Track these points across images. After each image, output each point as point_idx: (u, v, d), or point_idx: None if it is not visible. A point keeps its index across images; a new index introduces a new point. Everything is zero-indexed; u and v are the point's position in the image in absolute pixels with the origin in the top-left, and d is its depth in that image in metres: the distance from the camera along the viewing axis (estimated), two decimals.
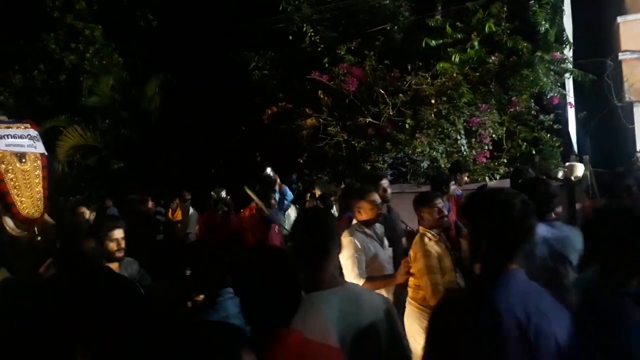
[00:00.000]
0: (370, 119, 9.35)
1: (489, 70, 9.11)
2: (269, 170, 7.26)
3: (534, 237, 1.98)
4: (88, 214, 6.75)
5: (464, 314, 1.74)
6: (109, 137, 12.04)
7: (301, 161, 10.09)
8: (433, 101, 8.96)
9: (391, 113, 9.22)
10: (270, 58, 11.22)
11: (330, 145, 9.59)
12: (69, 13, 12.63)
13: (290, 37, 10.83)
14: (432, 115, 8.83)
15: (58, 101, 11.87)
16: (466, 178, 6.45)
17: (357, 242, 3.53)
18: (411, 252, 3.71)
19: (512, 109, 9.03)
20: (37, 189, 6.94)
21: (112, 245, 3.54)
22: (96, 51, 12.49)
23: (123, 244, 3.61)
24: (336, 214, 6.60)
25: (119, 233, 3.61)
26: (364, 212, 3.70)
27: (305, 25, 10.41)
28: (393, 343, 2.05)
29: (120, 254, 3.58)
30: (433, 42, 9.49)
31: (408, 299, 3.73)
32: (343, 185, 7.48)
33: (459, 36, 9.46)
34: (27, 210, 6.74)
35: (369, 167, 9.12)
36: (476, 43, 9.19)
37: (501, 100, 9.17)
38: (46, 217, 7.11)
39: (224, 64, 11.53)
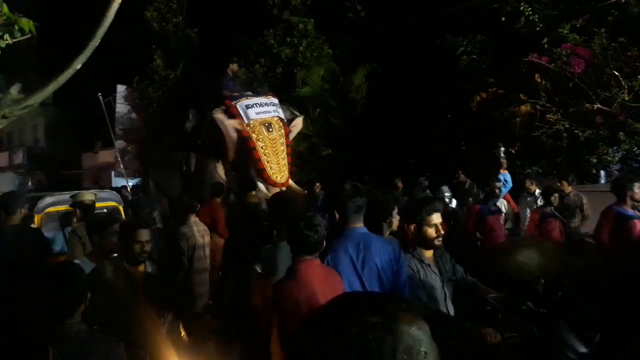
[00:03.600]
0: (599, 105, 8.30)
1: None
2: (502, 150, 6.82)
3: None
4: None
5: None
6: (318, 125, 12.75)
7: (513, 152, 9.43)
8: None
9: (627, 98, 8.06)
10: (480, 41, 10.67)
11: (547, 134, 8.78)
12: (286, 9, 13.61)
13: (503, 18, 10.12)
14: None
15: (275, 91, 12.91)
16: None
17: None
18: None
19: None
20: (282, 156, 7.68)
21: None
22: (308, 44, 13.23)
23: None
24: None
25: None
26: None
27: (522, 4, 9.63)
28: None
29: None
30: None
31: None
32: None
33: None
34: (275, 176, 7.50)
35: (594, 160, 8.15)
36: None
37: None
38: (291, 182, 7.80)
39: (431, 50, 11.29)
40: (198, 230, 5.28)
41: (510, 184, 6.78)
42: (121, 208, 6.43)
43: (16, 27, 3.70)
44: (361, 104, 12.77)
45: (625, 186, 4.80)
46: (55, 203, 6.07)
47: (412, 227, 3.04)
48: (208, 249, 5.36)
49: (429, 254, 3.09)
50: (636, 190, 4.72)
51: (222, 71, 8.96)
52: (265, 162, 7.55)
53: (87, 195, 5.57)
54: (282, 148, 7.73)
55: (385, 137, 12.14)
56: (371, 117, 12.49)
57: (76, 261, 2.98)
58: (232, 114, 7.75)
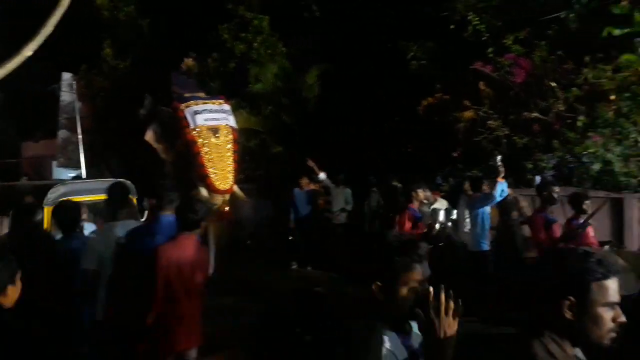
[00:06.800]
0: (537, 114, 8.75)
1: None
2: (499, 159, 6.79)
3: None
4: None
5: None
6: (270, 122, 12.80)
7: (455, 155, 9.77)
8: (612, 97, 8.10)
9: (562, 108, 8.52)
10: (429, 48, 11.00)
11: (488, 139, 9.16)
12: (241, 4, 13.58)
13: (452, 26, 10.48)
14: (610, 112, 8.00)
15: (227, 87, 12.84)
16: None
17: None
18: None
19: None
20: (229, 162, 7.63)
21: None
22: (263, 41, 13.25)
23: None
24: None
25: None
26: None
27: (469, 13, 10.00)
28: None
29: None
30: (617, 31, 8.48)
31: None
32: None
33: None
34: (218, 182, 7.44)
35: (530, 166, 8.58)
36: None
37: None
38: (235, 188, 7.77)
39: (382, 53, 11.55)
40: None
41: (506, 193, 6.72)
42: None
43: None
44: (313, 103, 12.90)
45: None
46: (70, 193, 5.50)
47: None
48: None
49: None
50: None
51: (174, 64, 8.85)
52: (210, 169, 7.49)
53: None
54: (228, 154, 7.69)
55: (336, 136, 12.31)
56: (323, 116, 12.63)
57: None
58: (178, 117, 7.66)
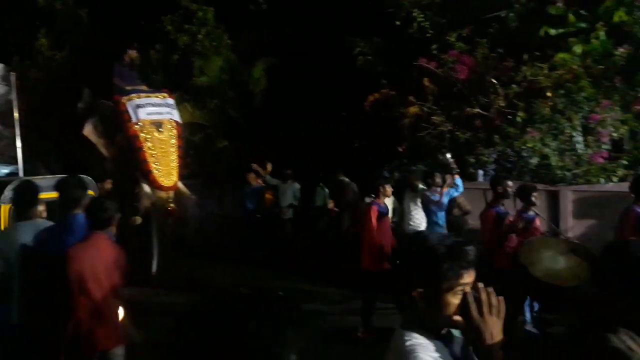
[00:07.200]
0: (478, 110, 8.99)
1: (615, 64, 8.39)
2: (448, 156, 7.22)
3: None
4: None
5: None
6: (215, 116, 12.55)
7: (401, 150, 9.91)
8: (549, 94, 8.43)
9: (502, 105, 8.79)
10: (375, 44, 11.09)
11: (432, 135, 9.34)
12: None
13: (398, 23, 10.60)
14: (547, 109, 8.32)
15: (171, 80, 12.49)
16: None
17: None
18: None
19: (637, 107, 8.30)
20: (172, 157, 7.35)
21: None
22: (208, 33, 12.97)
23: None
24: None
25: None
26: None
27: (414, 10, 10.15)
28: None
29: None
30: (553, 31, 8.88)
31: None
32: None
33: (583, 25, 8.79)
34: (162, 179, 7.17)
35: (473, 160, 8.81)
36: (602, 33, 8.49)
37: (625, 97, 8.45)
38: (179, 185, 7.52)
39: (330, 48, 11.54)
40: None
41: (461, 189, 7.23)
42: None
43: None
44: (260, 96, 12.75)
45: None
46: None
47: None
48: None
49: None
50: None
51: (115, 56, 8.52)
52: (153, 164, 7.23)
53: None
54: (172, 150, 7.44)
55: (283, 131, 12.23)
56: (270, 110, 12.52)
57: None
58: (120, 111, 7.37)
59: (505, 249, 5.36)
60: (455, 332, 1.72)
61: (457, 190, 7.20)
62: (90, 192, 5.68)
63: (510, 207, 5.78)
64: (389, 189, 6.29)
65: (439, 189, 7.07)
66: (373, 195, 6.33)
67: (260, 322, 1.11)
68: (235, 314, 1.12)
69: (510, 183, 5.70)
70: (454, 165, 7.16)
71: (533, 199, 5.52)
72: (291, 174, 10.49)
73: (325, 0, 12.05)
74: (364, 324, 5.99)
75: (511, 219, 5.48)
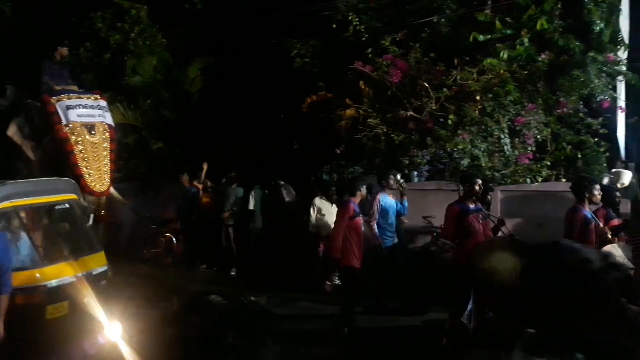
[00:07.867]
0: (412, 113, 9.21)
1: (538, 69, 8.85)
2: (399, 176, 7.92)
3: None
4: None
5: None
6: (149, 117, 12.18)
7: (338, 152, 10.00)
8: (478, 98, 8.78)
9: (434, 108, 9.06)
10: (313, 46, 11.14)
11: (368, 137, 9.48)
12: None
13: (334, 26, 10.70)
14: (477, 112, 8.65)
15: (102, 79, 12.02)
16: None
17: None
18: None
19: (559, 110, 8.78)
20: (105, 162, 6.99)
21: None
22: (141, 31, 12.57)
23: None
24: None
25: None
26: None
27: (350, 14, 10.28)
28: None
29: None
30: (481, 37, 9.24)
31: None
32: None
33: (509, 32, 9.20)
34: (94, 184, 6.81)
35: (407, 162, 9.02)
36: (526, 40, 8.93)
37: (548, 101, 8.92)
38: (112, 190, 7.18)
39: (267, 50, 11.49)
40: None
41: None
42: None
43: None
44: (196, 97, 12.50)
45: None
46: (13, 196, 4.55)
47: None
48: None
49: None
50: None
51: (42, 54, 8.09)
52: (84, 169, 6.89)
53: None
54: (105, 154, 7.12)
55: (221, 132, 12.04)
56: (207, 111, 12.29)
57: None
58: (49, 112, 6.99)
59: (466, 245, 5.58)
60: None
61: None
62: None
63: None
64: (365, 191, 6.39)
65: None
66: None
67: (237, 336, 1.06)
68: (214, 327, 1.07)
69: (479, 181, 5.91)
70: (405, 186, 7.76)
71: (489, 198, 5.94)
72: (236, 176, 10.21)
73: (262, 1, 12.00)
74: (345, 323, 6.10)
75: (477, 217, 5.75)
